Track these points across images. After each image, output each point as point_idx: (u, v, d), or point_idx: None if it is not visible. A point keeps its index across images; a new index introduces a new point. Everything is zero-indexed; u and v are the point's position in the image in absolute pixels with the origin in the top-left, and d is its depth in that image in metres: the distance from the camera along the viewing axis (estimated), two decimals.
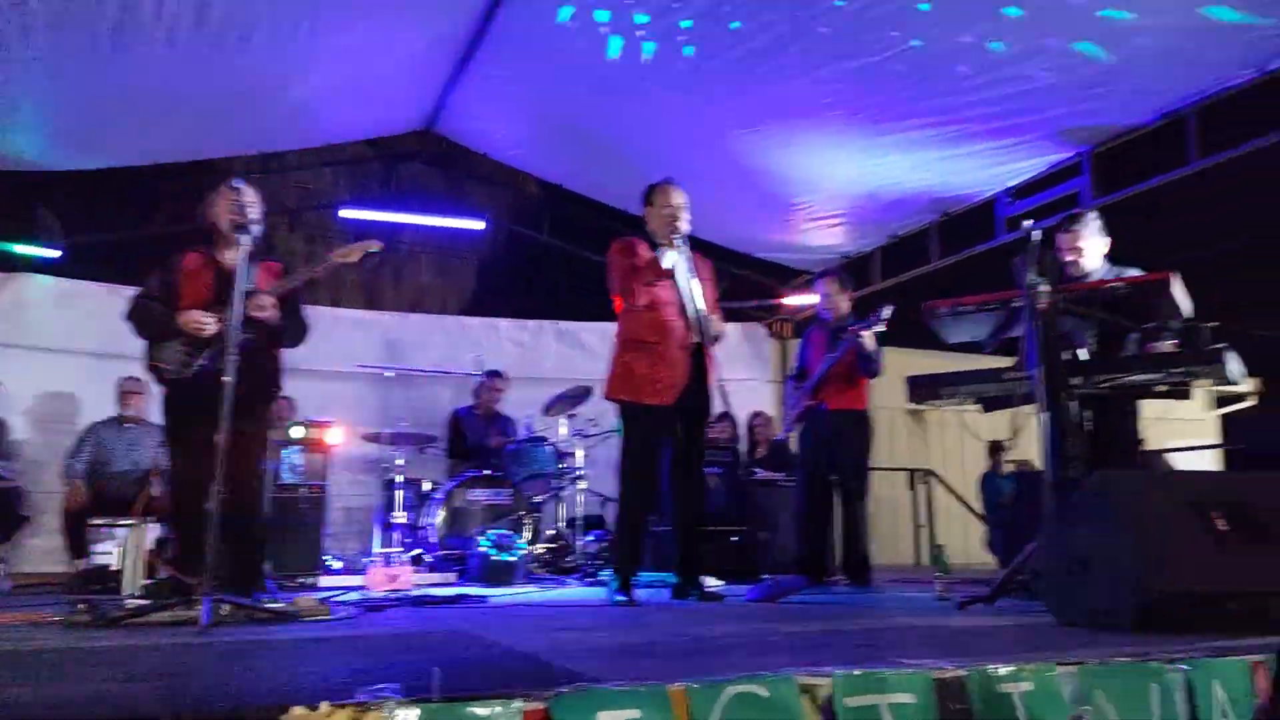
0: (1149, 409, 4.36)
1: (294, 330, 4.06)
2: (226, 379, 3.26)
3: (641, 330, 4.28)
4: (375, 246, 3.91)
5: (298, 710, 1.43)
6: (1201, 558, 2.66)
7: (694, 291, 4.33)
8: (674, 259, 4.29)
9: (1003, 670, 1.91)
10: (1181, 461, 8.75)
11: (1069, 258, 4.31)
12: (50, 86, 5.95)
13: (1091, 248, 4.32)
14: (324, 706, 1.44)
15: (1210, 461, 9.31)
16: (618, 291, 4.35)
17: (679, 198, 4.38)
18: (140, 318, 3.94)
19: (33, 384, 7.27)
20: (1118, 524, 2.67)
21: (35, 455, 7.06)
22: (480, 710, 1.51)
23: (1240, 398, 10.89)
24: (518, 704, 1.53)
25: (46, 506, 6.77)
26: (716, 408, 4.53)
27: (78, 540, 6.23)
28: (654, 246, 4.35)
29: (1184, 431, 10.31)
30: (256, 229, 3.90)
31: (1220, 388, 8.03)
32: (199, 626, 2.85)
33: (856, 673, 1.80)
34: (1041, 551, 3.05)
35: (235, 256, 3.55)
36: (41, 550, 6.92)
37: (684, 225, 4.34)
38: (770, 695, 1.71)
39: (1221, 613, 2.59)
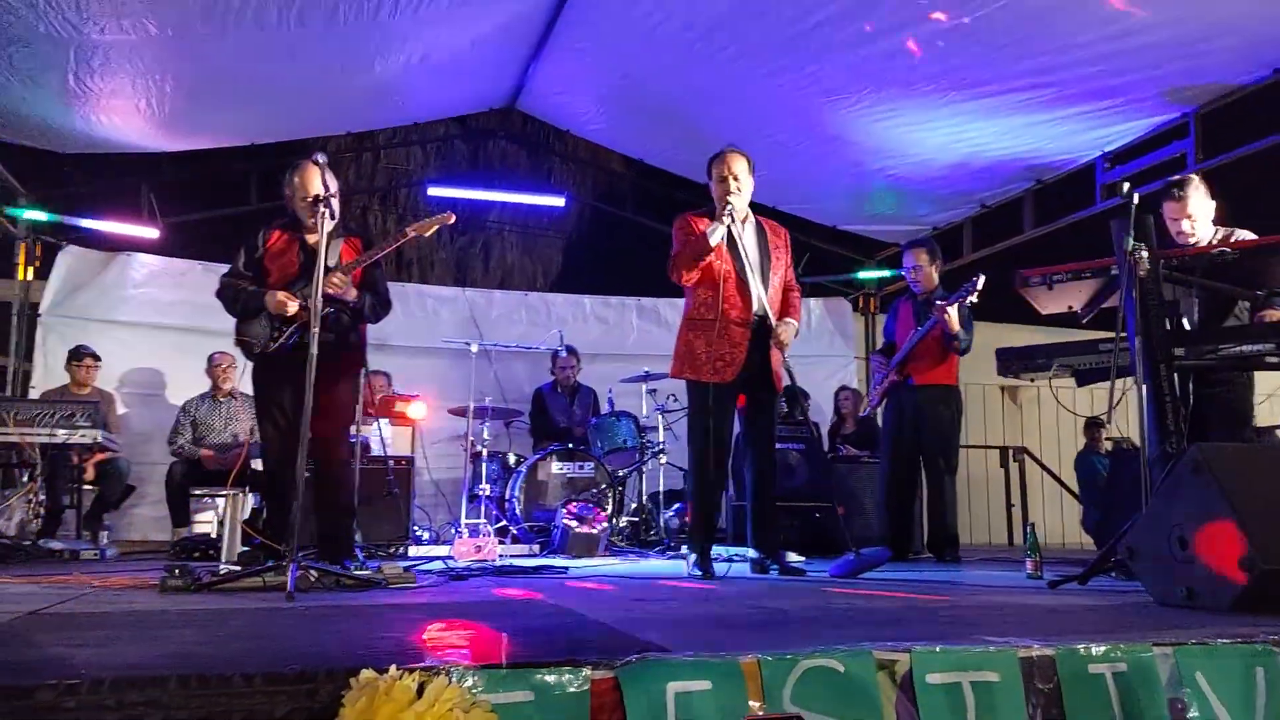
0: (1267, 383, 4.14)
1: (373, 305, 4.11)
2: (311, 353, 3.32)
3: (700, 307, 4.15)
4: (450, 219, 3.93)
5: (366, 673, 1.44)
6: None
7: (752, 264, 4.13)
8: (722, 233, 4.09)
9: (1095, 650, 1.83)
10: None
11: (1178, 227, 4.10)
12: (148, 69, 6.12)
13: (1201, 214, 4.09)
14: (393, 670, 1.45)
15: None
16: (669, 269, 4.22)
17: (733, 166, 4.17)
18: (229, 296, 4.06)
19: (132, 359, 7.54)
20: (1219, 500, 2.53)
21: (138, 427, 7.33)
22: (549, 677, 1.50)
23: None
24: (586, 672, 1.52)
25: (150, 477, 7.04)
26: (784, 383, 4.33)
27: (180, 510, 6.48)
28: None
29: None
30: (333, 205, 3.97)
31: None
32: (286, 592, 2.91)
33: (938, 649, 1.74)
34: (1138, 529, 2.91)
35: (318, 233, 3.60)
36: (147, 519, 7.23)
37: (735, 197, 4.13)
38: (846, 669, 1.66)
39: None
